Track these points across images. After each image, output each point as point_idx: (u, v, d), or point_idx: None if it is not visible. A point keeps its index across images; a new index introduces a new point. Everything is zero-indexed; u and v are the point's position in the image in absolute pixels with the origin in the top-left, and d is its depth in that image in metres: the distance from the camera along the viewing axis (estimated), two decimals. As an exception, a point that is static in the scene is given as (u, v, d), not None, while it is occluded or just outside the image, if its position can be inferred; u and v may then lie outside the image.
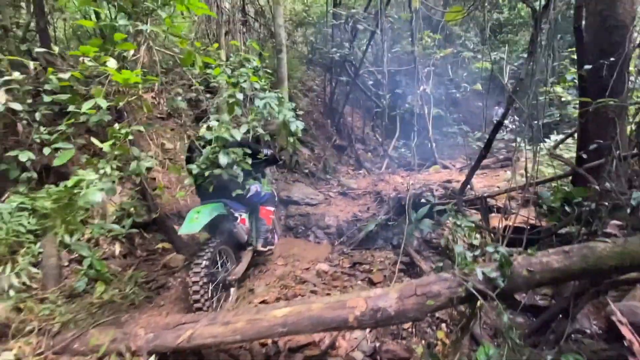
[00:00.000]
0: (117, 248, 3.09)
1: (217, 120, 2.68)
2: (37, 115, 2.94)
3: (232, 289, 3.00)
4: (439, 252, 3.63)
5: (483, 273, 1.78)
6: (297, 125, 2.94)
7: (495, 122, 8.00)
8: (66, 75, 2.02)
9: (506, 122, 8.81)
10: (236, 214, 3.04)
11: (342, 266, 3.55)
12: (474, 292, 1.72)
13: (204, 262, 2.56)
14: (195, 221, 2.57)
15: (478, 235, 3.27)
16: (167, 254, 3.45)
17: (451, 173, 6.13)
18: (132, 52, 2.18)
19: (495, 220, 3.69)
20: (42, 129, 2.91)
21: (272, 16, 5.73)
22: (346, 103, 7.20)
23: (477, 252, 1.99)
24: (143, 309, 2.64)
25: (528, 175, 2.66)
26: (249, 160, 2.81)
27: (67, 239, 2.78)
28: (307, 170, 5.97)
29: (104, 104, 1.91)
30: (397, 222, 3.99)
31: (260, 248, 3.28)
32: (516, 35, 9.88)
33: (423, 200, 3.90)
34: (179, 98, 3.06)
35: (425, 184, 4.62)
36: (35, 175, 2.96)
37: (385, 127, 9.18)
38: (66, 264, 2.76)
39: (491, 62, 5.79)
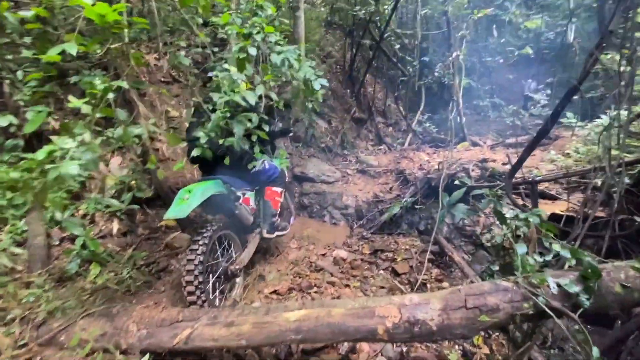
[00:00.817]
0: (115, 225, 2.80)
1: (225, 71, 2.22)
2: (19, 74, 2.56)
3: (237, 279, 2.57)
4: (473, 242, 3.20)
5: (559, 285, 1.35)
6: (320, 84, 2.45)
7: (529, 96, 7.17)
8: (28, 13, 1.60)
9: (539, 96, 7.94)
10: (238, 193, 2.57)
11: (362, 252, 3.19)
12: (548, 310, 1.31)
13: (200, 250, 2.15)
14: (184, 203, 2.11)
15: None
16: (170, 233, 3.16)
17: (483, 151, 5.56)
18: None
19: (541, 208, 3.22)
20: (25, 89, 2.55)
21: (289, -33, 5.05)
22: (368, 71, 6.55)
23: (549, 257, 1.55)
24: (140, 295, 2.37)
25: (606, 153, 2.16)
26: (266, 128, 2.44)
27: (58, 215, 2.48)
28: (323, 145, 5.51)
29: (73, 49, 1.50)
30: (425, 206, 3.56)
31: (266, 235, 2.83)
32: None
33: (457, 182, 3.44)
34: (182, 54, 2.60)
35: (460, 163, 4.11)
36: (21, 142, 2.64)
37: (409, 99, 8.53)
38: (57, 242, 2.49)
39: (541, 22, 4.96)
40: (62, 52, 2.20)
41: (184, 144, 3.16)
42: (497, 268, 1.72)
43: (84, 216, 2.76)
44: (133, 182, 3.20)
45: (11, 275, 2.14)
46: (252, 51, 2.19)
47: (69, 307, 2.08)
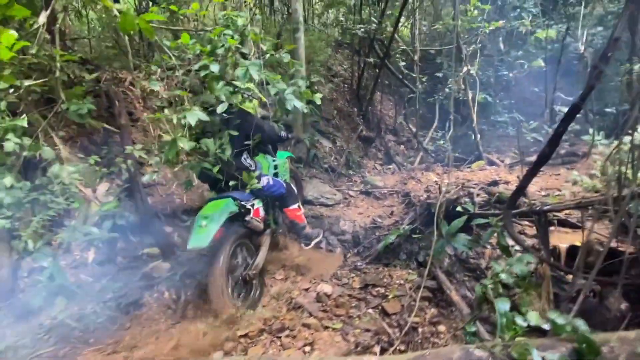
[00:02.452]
0: (91, 255, 2.73)
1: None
2: (2, 105, 2.61)
3: (253, 282, 2.70)
4: (477, 277, 2.83)
5: (545, 360, 1.05)
6: (293, 105, 2.30)
7: (557, 111, 6.67)
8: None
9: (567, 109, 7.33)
10: (248, 206, 2.69)
11: (351, 287, 2.90)
12: (529, 396, 1.00)
13: (223, 258, 2.35)
14: (203, 231, 2.25)
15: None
16: (152, 261, 3.05)
17: (498, 171, 5.14)
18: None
19: (556, 238, 2.82)
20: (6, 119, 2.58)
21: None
22: (375, 89, 6.38)
23: (533, 320, 1.24)
24: (100, 333, 2.23)
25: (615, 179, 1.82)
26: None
27: (30, 245, 2.43)
28: (326, 165, 5.33)
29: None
30: (424, 234, 3.24)
31: (305, 248, 3.22)
32: (585, 8, 8.21)
33: (459, 209, 3.11)
34: (154, 77, 2.54)
35: (465, 185, 3.77)
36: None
37: (421, 116, 8.22)
38: (25, 274, 2.43)
39: (547, 33, 4.60)
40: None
41: (176, 168, 3.13)
42: (473, 329, 1.42)
43: (60, 245, 2.72)
44: (117, 208, 3.16)
45: (-30, 309, 2.08)
46: (215, 68, 2.08)
47: (22, 346, 1.97)
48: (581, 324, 1.07)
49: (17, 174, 2.88)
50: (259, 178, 2.76)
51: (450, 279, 2.85)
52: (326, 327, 2.34)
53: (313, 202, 4.40)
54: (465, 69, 5.62)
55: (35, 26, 1.80)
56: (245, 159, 2.74)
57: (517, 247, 2.75)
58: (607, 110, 6.53)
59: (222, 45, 2.20)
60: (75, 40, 4.74)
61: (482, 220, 2.70)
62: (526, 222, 3.21)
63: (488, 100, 6.69)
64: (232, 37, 2.26)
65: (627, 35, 1.69)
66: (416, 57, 5.36)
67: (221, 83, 2.16)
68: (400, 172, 6.05)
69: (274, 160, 3.32)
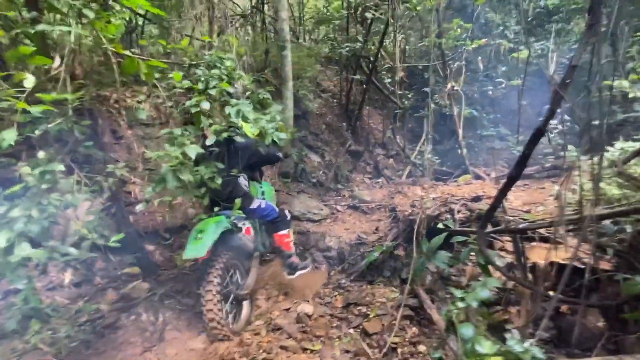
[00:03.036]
0: (68, 276, 2.69)
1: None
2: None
3: (244, 303, 2.78)
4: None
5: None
6: (274, 138, 2.37)
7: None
8: None
9: (555, 122, 7.55)
10: (239, 225, 2.80)
11: (333, 306, 2.89)
12: None
13: (216, 280, 2.39)
14: (199, 242, 2.35)
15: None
16: (131, 281, 3.00)
17: (484, 185, 5.20)
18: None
19: (537, 254, 2.85)
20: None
21: (275, 9, 5.19)
22: (363, 104, 6.48)
23: (486, 349, 1.24)
24: (73, 358, 2.17)
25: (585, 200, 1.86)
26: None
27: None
28: (314, 180, 5.35)
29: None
30: (407, 251, 3.25)
31: (288, 276, 3.04)
32: (568, 24, 8.50)
33: (440, 225, 3.13)
34: (141, 106, 2.58)
35: (447, 201, 3.80)
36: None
37: (410, 130, 8.33)
38: (0, 297, 2.38)
39: (530, 52, 4.75)
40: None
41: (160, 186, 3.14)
42: (438, 356, 1.42)
43: (36, 266, 2.67)
44: (93, 227, 3.12)
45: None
46: (205, 105, 2.16)
47: (-11, 375, 1.91)
48: (537, 353, 1.08)
49: (-5, 194, 2.86)
50: (250, 200, 2.84)
51: (432, 297, 2.85)
52: (305, 349, 2.32)
53: (300, 217, 4.40)
54: (450, 84, 5.75)
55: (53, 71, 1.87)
56: (242, 179, 2.84)
57: (498, 263, 2.78)
58: (594, 123, 6.69)
59: (214, 87, 2.30)
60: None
61: (461, 238, 2.73)
62: (507, 238, 3.24)
63: (474, 114, 6.83)
64: (221, 78, 2.37)
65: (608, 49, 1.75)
66: (399, 75, 5.48)
67: (208, 120, 2.26)
68: (388, 185, 6.10)
69: (260, 187, 3.36)
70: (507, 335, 2.35)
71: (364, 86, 6.08)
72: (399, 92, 5.87)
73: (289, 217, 3.17)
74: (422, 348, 2.38)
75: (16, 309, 2.27)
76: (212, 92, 2.37)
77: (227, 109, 2.32)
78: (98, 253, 2.99)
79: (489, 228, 2.64)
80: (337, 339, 2.46)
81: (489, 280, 1.55)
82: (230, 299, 2.61)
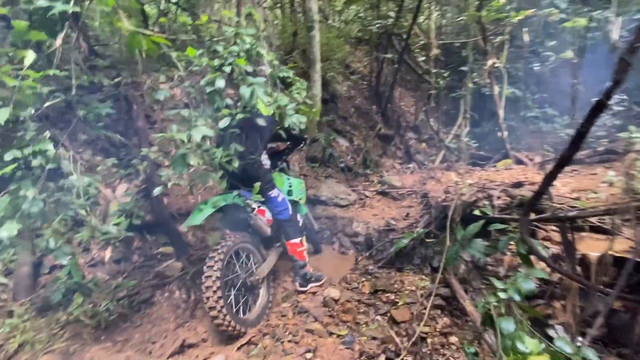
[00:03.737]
0: (108, 253, 2.84)
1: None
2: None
3: (260, 290, 2.62)
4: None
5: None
6: (293, 121, 2.27)
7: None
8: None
9: (612, 102, 6.77)
10: (253, 205, 2.61)
11: (360, 291, 2.82)
12: None
13: (217, 264, 2.21)
14: (200, 212, 2.33)
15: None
16: (166, 260, 3.13)
17: (526, 170, 4.82)
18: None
19: (587, 245, 2.59)
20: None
21: (303, -13, 5.02)
22: (394, 85, 6.19)
23: (530, 348, 1.11)
24: (112, 331, 2.31)
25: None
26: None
27: (52, 243, 2.56)
28: (342, 164, 5.24)
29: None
30: (439, 238, 3.08)
31: (299, 288, 2.78)
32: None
33: (477, 212, 2.93)
34: (162, 87, 2.58)
35: (485, 186, 3.55)
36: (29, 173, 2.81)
37: (445, 112, 7.90)
38: (47, 271, 2.56)
39: (587, 21, 4.21)
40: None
41: (192, 170, 3.19)
42: (473, 350, 1.30)
43: (80, 244, 2.85)
44: (134, 208, 3.27)
45: (-5, 304, 2.23)
46: (220, 83, 2.08)
47: (38, 341, 2.08)
48: (590, 355, 0.94)
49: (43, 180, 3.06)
50: (271, 186, 2.69)
51: (466, 287, 2.70)
52: (331, 334, 2.29)
53: (327, 202, 4.34)
54: (490, 61, 5.30)
55: (52, 48, 1.86)
56: (264, 158, 2.69)
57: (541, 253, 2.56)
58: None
59: (230, 63, 2.20)
60: (107, 46, 4.94)
61: (500, 226, 2.53)
62: (553, 227, 2.97)
63: (517, 94, 6.30)
64: (238, 55, 2.26)
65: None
66: (434, 52, 5.11)
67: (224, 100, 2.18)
68: (420, 171, 5.85)
69: (288, 180, 3.19)
70: (551, 332, 2.17)
71: (396, 66, 5.78)
72: (434, 71, 5.51)
73: (300, 224, 2.97)
74: (453, 339, 2.27)
75: (61, 283, 2.44)
76: (226, 69, 2.25)
77: (242, 89, 2.22)
78: (135, 233, 3.14)
79: (533, 216, 2.42)
80: (364, 325, 2.41)
81: (534, 271, 1.39)
82: (238, 286, 2.42)
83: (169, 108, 4.25)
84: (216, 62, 2.20)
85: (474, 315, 2.31)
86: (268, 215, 2.71)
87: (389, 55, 5.65)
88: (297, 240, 2.79)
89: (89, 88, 3.63)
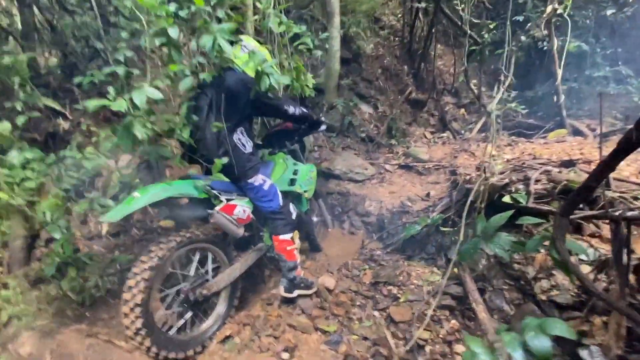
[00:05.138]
0: (105, 227, 2.81)
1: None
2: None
3: (218, 302, 2.14)
4: (521, 287, 2.22)
5: None
6: (271, 81, 1.86)
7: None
8: None
9: None
10: (222, 197, 2.05)
11: (360, 281, 2.55)
12: None
13: (146, 269, 1.72)
14: (128, 204, 1.73)
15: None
16: (166, 235, 3.06)
17: (583, 143, 4.01)
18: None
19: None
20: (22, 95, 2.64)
21: None
22: (429, 41, 5.37)
23: None
24: (97, 308, 2.29)
25: None
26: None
27: (48, 216, 2.56)
28: (364, 134, 4.77)
29: None
30: (457, 227, 2.65)
31: (284, 294, 2.21)
32: None
33: (507, 198, 2.44)
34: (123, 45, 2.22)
35: (524, 165, 2.96)
36: (26, 145, 2.78)
37: (492, 72, 6.88)
38: (42, 243, 2.58)
39: None
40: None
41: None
42: None
43: (79, 216, 2.85)
44: (136, 180, 3.19)
45: (-9, 275, 2.28)
46: (173, 33, 1.70)
47: (26, 314, 2.10)
48: None
49: (42, 147, 3.05)
50: (252, 172, 2.13)
51: (485, 286, 2.31)
52: (317, 329, 2.07)
53: (341, 176, 4.00)
54: (550, 8, 4.30)
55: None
56: (239, 137, 2.09)
57: (583, 257, 2.06)
58: None
59: (189, 7, 1.78)
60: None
61: (533, 219, 2.05)
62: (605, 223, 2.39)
63: (583, 49, 5.19)
64: None
65: None
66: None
67: (181, 53, 1.78)
68: (454, 142, 5.19)
69: (295, 164, 2.63)
70: (584, 353, 1.75)
71: (432, 18, 4.95)
72: (477, 22, 4.63)
73: (294, 217, 2.43)
74: (459, 349, 1.95)
75: (54, 256, 2.44)
76: (183, 13, 1.78)
77: (202, 39, 1.74)
78: (135, 205, 3.07)
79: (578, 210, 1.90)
80: (357, 321, 2.16)
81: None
82: (183, 298, 1.93)
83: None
84: (173, 6, 1.79)
85: (487, 324, 1.94)
86: (240, 211, 2.11)
87: (422, 5, 4.80)
88: (286, 237, 2.24)
89: (85, 54, 3.49)
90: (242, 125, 2.10)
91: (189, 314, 1.99)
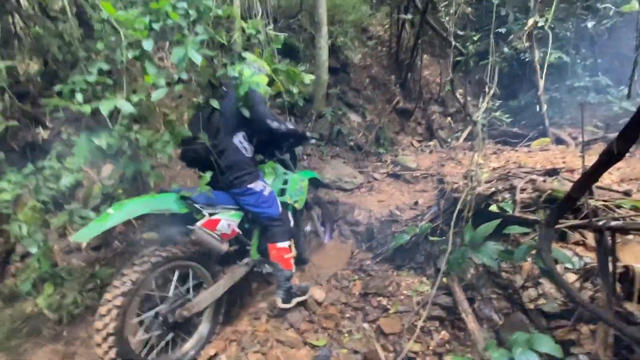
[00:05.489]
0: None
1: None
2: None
3: (201, 323, 2.05)
4: (510, 296, 2.23)
5: None
6: (256, 89, 1.84)
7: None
8: None
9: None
10: (204, 212, 1.95)
11: (350, 292, 2.52)
12: None
13: (119, 295, 1.59)
14: (102, 221, 1.61)
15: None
16: (149, 247, 2.97)
17: (566, 152, 4.11)
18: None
19: (633, 253, 2.08)
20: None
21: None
22: (416, 51, 5.47)
23: None
24: (76, 326, 2.19)
25: None
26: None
27: (24, 229, 2.45)
28: (352, 143, 4.79)
29: None
30: (446, 236, 2.65)
31: (281, 305, 2.15)
32: None
33: (494, 207, 2.46)
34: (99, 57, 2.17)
35: (509, 173, 3.01)
36: (2, 155, 2.68)
37: (477, 82, 7.05)
38: (17, 258, 2.47)
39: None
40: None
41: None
42: None
43: (57, 229, 2.74)
44: (120, 190, 3.10)
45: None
46: (148, 45, 1.67)
47: (-2, 335, 1.98)
48: None
49: (20, 156, 2.94)
50: (252, 177, 2.10)
51: (474, 295, 2.30)
52: (306, 343, 2.02)
53: (330, 185, 3.98)
54: (531, 20, 4.45)
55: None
56: (240, 140, 2.08)
57: (569, 265, 2.08)
58: None
59: (164, 20, 1.74)
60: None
61: (520, 229, 2.07)
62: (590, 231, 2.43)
63: (564, 60, 5.37)
64: (187, 12, 1.81)
65: None
66: (455, 9, 4.32)
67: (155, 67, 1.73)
68: (441, 150, 5.26)
69: (284, 174, 2.57)
70: (572, 362, 1.75)
71: (418, 29, 5.05)
72: (462, 34, 4.75)
73: (291, 224, 2.39)
74: (449, 360, 1.93)
75: (31, 272, 2.33)
76: (156, 26, 1.72)
77: (174, 51, 1.68)
78: (117, 217, 2.97)
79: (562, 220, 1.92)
80: (347, 334, 2.12)
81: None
82: (162, 321, 1.82)
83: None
84: (148, 18, 1.76)
85: (476, 335, 1.93)
86: (224, 226, 2.02)
87: (408, 16, 4.90)
88: (284, 245, 2.20)
89: (67, 62, 3.41)
90: (243, 129, 2.09)
91: (169, 336, 1.90)
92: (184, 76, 1.72)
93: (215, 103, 1.93)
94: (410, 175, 4.30)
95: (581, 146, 2.63)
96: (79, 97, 1.58)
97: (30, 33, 3.86)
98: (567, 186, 2.47)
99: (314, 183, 3.05)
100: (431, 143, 5.59)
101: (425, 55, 6.44)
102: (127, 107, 1.55)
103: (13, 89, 2.86)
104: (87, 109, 1.49)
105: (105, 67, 1.88)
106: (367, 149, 4.85)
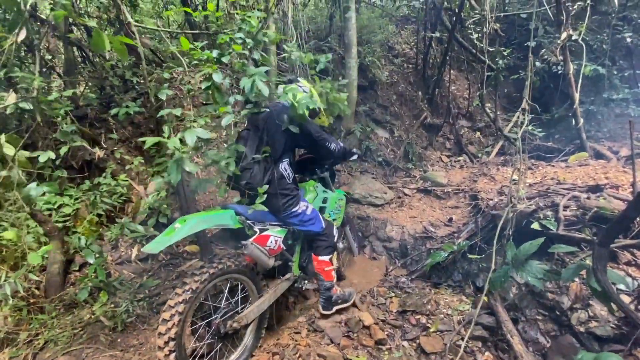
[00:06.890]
0: (135, 251, 2.89)
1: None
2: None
3: (246, 333, 2.13)
4: (557, 318, 2.15)
5: None
6: (304, 109, 1.94)
7: None
8: None
9: None
10: (255, 228, 2.04)
11: (387, 309, 2.52)
12: None
13: (180, 302, 1.69)
14: (169, 235, 1.71)
15: None
16: (191, 259, 3.12)
17: (608, 167, 3.95)
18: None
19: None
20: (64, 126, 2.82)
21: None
22: (443, 67, 5.50)
23: None
24: (128, 333, 2.32)
25: None
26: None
27: (82, 241, 2.66)
28: (380, 159, 4.83)
29: None
30: (485, 254, 2.62)
31: (322, 312, 2.37)
32: None
33: (536, 225, 2.41)
34: (165, 86, 2.40)
35: (550, 188, 2.94)
36: (65, 172, 2.94)
37: (507, 96, 6.94)
38: (77, 268, 2.67)
39: None
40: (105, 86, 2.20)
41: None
42: None
43: (110, 241, 2.94)
44: (164, 206, 3.29)
45: (31, 299, 2.35)
46: (218, 78, 1.85)
47: (60, 340, 2.14)
48: None
49: (78, 173, 3.21)
50: (296, 201, 2.17)
51: (517, 316, 2.25)
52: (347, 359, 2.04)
53: (360, 200, 4.02)
54: (565, 34, 4.38)
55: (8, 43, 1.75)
56: (285, 167, 2.16)
57: (622, 286, 2.00)
58: None
59: (230, 53, 1.94)
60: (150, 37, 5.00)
61: (565, 248, 2.02)
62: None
63: (599, 72, 5.21)
64: (244, 41, 2.00)
65: None
66: (489, 27, 4.34)
67: (223, 95, 1.91)
68: (472, 165, 5.19)
69: (324, 192, 2.64)
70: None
71: (446, 45, 5.10)
72: (491, 49, 4.75)
73: (335, 239, 2.44)
74: (495, 383, 1.88)
75: (88, 281, 2.51)
76: (225, 59, 1.96)
77: (242, 81, 1.87)
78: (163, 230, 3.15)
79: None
80: (386, 352, 2.12)
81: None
82: (214, 330, 1.91)
83: (199, 102, 4.23)
84: (215, 53, 1.96)
85: (524, 357, 1.88)
86: (272, 242, 2.12)
87: (436, 34, 4.96)
88: (326, 258, 2.33)
89: (120, 87, 3.72)
90: (287, 156, 2.18)
91: (218, 346, 1.98)
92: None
93: (294, 129, 2.04)
94: (441, 190, 4.27)
95: (632, 162, 2.54)
96: (166, 130, 1.75)
97: (89, 62, 4.25)
98: (614, 203, 2.40)
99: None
100: (461, 158, 5.52)
101: (451, 71, 6.45)
102: (205, 135, 1.71)
103: (73, 112, 3.16)
104: (176, 142, 1.65)
105: (170, 93, 2.08)
106: (396, 164, 4.87)
